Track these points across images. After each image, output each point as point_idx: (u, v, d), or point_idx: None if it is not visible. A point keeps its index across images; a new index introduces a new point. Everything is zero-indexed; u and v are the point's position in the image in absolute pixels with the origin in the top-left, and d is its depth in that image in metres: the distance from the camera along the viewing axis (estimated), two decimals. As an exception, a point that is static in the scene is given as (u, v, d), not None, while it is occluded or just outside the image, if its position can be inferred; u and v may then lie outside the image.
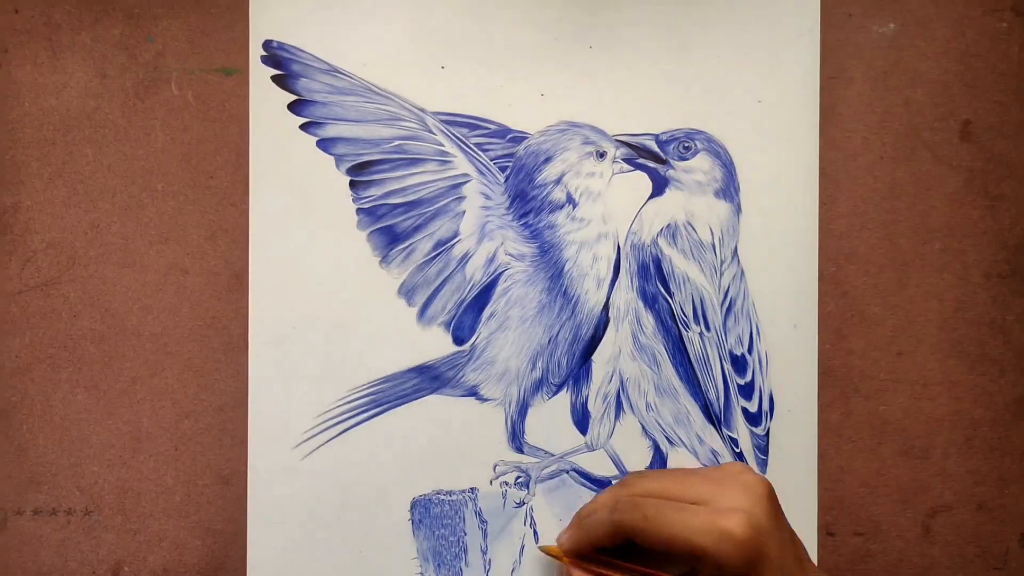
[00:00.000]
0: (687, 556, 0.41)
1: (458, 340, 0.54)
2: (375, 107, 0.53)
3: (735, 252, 0.54)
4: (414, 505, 0.53)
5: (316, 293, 0.53)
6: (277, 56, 0.53)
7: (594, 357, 0.54)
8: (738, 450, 0.54)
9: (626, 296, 0.54)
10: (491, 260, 0.54)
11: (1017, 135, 0.56)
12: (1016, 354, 0.56)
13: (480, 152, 0.54)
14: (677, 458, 0.54)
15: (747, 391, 0.54)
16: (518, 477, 0.54)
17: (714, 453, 0.54)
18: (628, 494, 0.44)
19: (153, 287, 0.54)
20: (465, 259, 0.54)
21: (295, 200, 0.53)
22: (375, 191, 0.53)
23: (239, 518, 0.54)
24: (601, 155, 0.54)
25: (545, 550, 0.50)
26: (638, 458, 0.54)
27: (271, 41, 0.53)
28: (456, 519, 0.53)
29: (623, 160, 0.54)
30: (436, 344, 0.54)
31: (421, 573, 0.53)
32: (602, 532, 0.44)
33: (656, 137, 0.54)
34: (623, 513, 0.43)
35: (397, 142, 0.53)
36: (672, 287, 0.54)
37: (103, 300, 0.54)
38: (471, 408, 0.54)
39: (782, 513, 0.43)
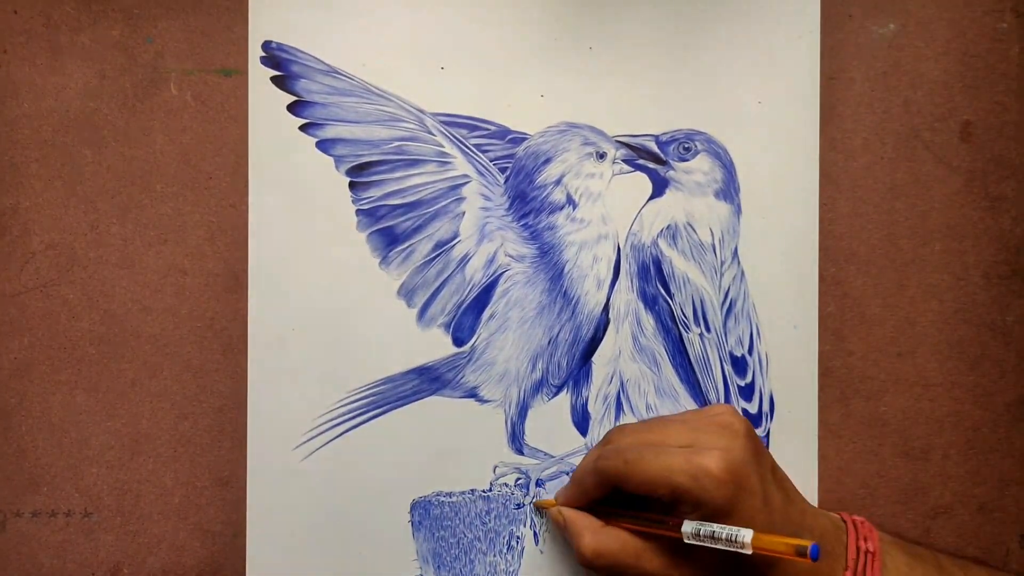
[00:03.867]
0: (668, 497, 0.42)
1: (458, 341, 0.54)
2: (374, 108, 0.53)
3: (735, 253, 0.54)
4: (414, 507, 0.53)
5: (315, 294, 0.53)
6: (276, 57, 0.53)
7: (594, 358, 0.54)
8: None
9: (626, 297, 0.54)
10: (491, 261, 0.54)
11: (1017, 135, 0.56)
12: (1016, 355, 0.56)
13: (480, 153, 0.54)
14: (677, 459, 0.54)
15: (747, 392, 0.54)
16: (518, 479, 0.54)
17: (714, 454, 0.54)
18: (612, 445, 0.46)
19: (152, 288, 0.54)
20: (465, 260, 0.54)
21: (294, 201, 0.53)
22: (375, 192, 0.53)
23: (238, 520, 0.54)
24: (601, 156, 0.54)
25: (540, 504, 0.51)
26: (638, 459, 0.54)
27: (270, 42, 0.53)
28: (456, 521, 0.53)
29: (623, 161, 0.54)
30: (436, 345, 0.53)
31: (421, 575, 0.53)
32: (590, 483, 0.45)
33: (656, 138, 0.54)
34: (606, 460, 0.44)
35: (396, 143, 0.53)
36: (672, 288, 0.54)
37: (102, 301, 0.54)
38: (471, 409, 0.54)
39: (764, 450, 0.44)
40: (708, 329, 0.54)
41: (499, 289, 0.54)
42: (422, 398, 0.53)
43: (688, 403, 0.54)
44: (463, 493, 0.53)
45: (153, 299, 0.54)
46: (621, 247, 0.54)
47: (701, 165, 0.54)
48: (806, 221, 0.55)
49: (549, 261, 0.54)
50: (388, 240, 0.53)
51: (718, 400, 0.54)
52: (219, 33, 0.54)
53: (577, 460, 0.54)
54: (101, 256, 0.54)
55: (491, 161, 0.54)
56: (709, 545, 0.40)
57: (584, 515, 0.47)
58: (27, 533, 0.54)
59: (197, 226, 0.54)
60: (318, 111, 0.53)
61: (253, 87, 0.53)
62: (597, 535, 0.45)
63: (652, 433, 0.45)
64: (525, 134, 0.54)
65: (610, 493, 0.46)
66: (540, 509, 0.52)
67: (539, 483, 0.54)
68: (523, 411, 0.54)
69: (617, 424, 0.53)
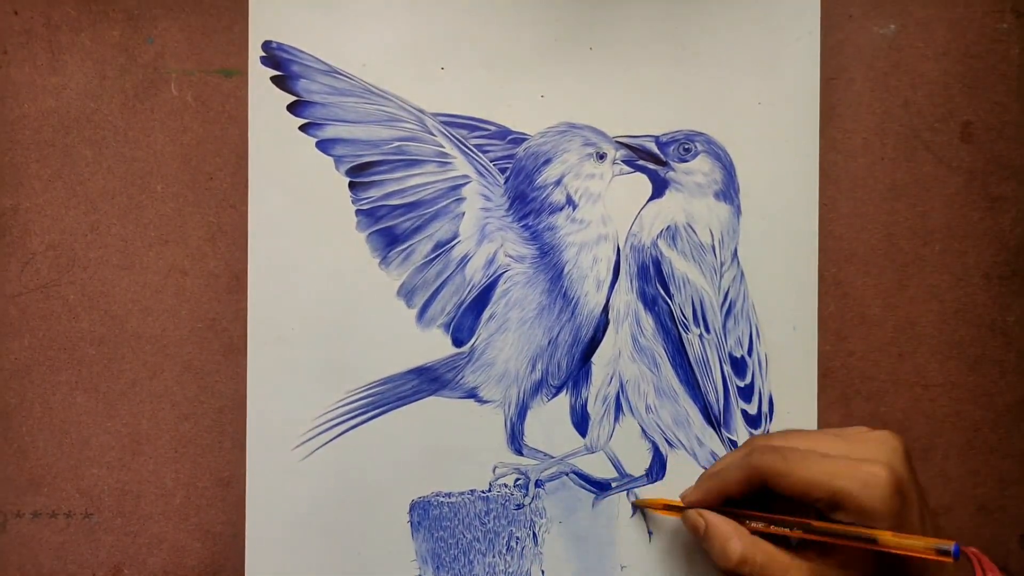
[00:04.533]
0: (824, 501, 0.41)
1: (457, 342, 0.54)
2: (375, 108, 0.53)
3: (735, 254, 0.54)
4: (413, 507, 0.53)
5: (315, 295, 0.53)
6: (276, 57, 0.53)
7: (594, 359, 0.54)
8: (738, 452, 0.54)
9: (626, 298, 0.54)
10: (491, 262, 0.54)
11: (1017, 136, 0.56)
12: (1017, 355, 0.56)
13: (480, 153, 0.54)
14: (676, 460, 0.54)
15: (747, 393, 0.54)
16: (517, 479, 0.54)
17: (713, 455, 0.54)
18: (764, 443, 0.45)
19: (152, 289, 0.54)
20: (465, 261, 0.54)
21: (294, 201, 0.53)
22: (374, 192, 0.53)
23: (238, 520, 0.54)
24: (601, 157, 0.54)
25: (645, 503, 0.49)
26: (637, 460, 0.54)
27: (270, 42, 0.53)
28: (455, 521, 0.53)
29: (623, 162, 0.54)
30: (435, 346, 0.53)
31: (420, 575, 0.53)
32: (736, 478, 0.44)
33: (656, 139, 0.54)
34: (761, 456, 0.43)
35: (397, 143, 0.53)
36: (672, 289, 0.54)
37: (102, 302, 0.54)
38: (470, 410, 0.54)
39: (914, 467, 0.43)
40: (708, 330, 0.54)
41: (499, 290, 0.54)
42: (421, 398, 0.53)
43: (688, 404, 0.54)
44: (462, 494, 0.54)
45: (153, 299, 0.54)
46: (621, 248, 0.54)
47: (701, 166, 0.54)
48: (806, 221, 0.55)
49: (549, 262, 0.54)
50: (388, 240, 0.54)
51: (717, 401, 0.54)
52: (219, 33, 0.54)
53: (576, 461, 0.54)
54: (101, 256, 0.54)
55: (491, 161, 0.54)
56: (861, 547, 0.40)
57: (728, 520, 0.46)
58: (28, 534, 0.54)
59: (197, 226, 0.54)
60: (318, 111, 0.53)
61: (253, 87, 0.53)
62: (744, 541, 0.44)
63: (803, 440, 0.44)
64: (525, 134, 0.54)
65: (747, 493, 0.45)
66: (641, 508, 0.50)
67: (538, 484, 0.54)
68: (522, 412, 0.54)
69: (756, 435, 0.52)
